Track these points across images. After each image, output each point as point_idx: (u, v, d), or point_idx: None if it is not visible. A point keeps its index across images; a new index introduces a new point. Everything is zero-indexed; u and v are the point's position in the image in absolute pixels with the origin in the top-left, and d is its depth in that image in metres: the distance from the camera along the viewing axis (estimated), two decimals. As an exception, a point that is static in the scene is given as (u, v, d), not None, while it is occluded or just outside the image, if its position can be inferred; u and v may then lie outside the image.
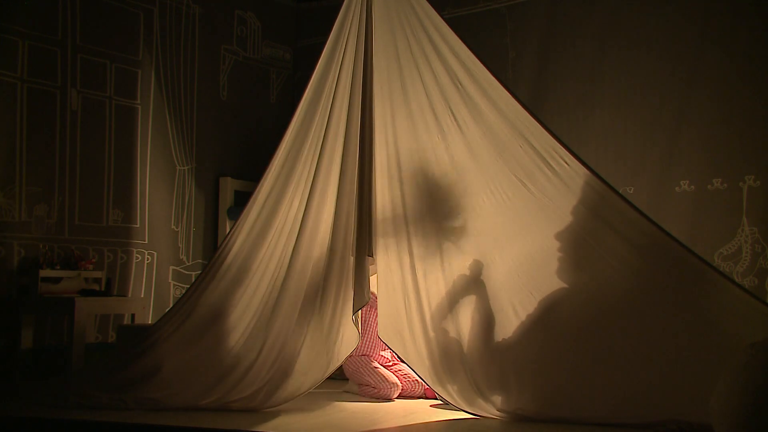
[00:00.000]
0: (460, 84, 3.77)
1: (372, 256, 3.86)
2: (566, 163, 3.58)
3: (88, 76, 4.99)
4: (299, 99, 3.94)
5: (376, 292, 3.99)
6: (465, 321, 3.70)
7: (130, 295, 5.10)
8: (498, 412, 3.48)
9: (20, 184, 4.62)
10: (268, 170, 3.93)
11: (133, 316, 4.83)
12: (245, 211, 3.94)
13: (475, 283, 3.73)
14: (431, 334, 3.72)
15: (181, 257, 5.52)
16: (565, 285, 3.57)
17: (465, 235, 3.79)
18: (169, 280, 5.43)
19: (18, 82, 4.64)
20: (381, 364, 4.22)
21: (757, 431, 2.50)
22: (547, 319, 3.55)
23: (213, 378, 3.72)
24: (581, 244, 3.55)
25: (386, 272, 3.84)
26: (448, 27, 3.77)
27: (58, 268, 4.63)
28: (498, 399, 3.50)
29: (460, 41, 3.74)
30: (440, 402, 3.80)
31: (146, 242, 5.29)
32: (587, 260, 3.55)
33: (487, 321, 3.67)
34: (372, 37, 3.89)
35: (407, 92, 3.87)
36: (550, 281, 3.60)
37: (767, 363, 2.58)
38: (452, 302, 3.73)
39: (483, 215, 3.76)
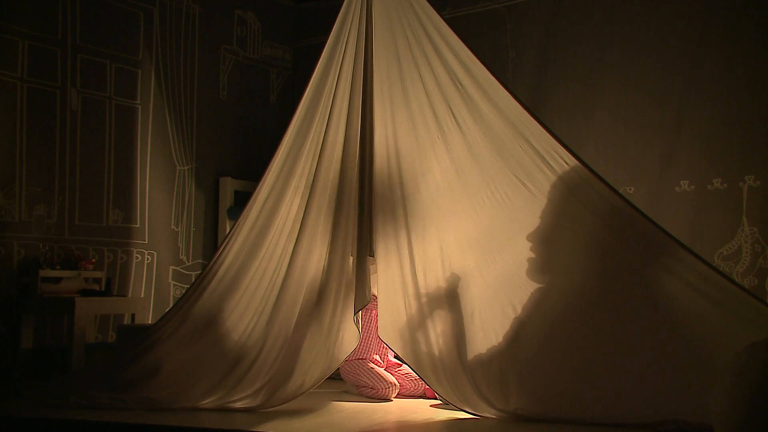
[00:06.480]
0: (460, 84, 3.77)
1: (372, 256, 3.86)
2: (566, 163, 3.58)
3: (88, 76, 4.99)
4: (299, 99, 3.94)
5: (376, 292, 3.99)
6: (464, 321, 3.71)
7: (130, 295, 5.11)
8: (498, 412, 3.47)
9: (20, 184, 4.62)
10: (268, 170, 3.93)
11: (133, 316, 4.84)
12: (245, 211, 3.95)
13: (449, 297, 3.74)
14: (431, 334, 3.73)
15: (181, 257, 5.52)
16: (540, 285, 3.59)
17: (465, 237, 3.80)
18: (169, 280, 5.43)
19: (18, 82, 4.64)
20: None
21: (757, 431, 2.50)
22: (540, 318, 3.56)
23: (213, 378, 3.72)
24: (555, 240, 3.58)
25: (386, 272, 3.84)
26: (448, 27, 3.77)
27: (58, 268, 4.63)
28: (498, 399, 3.50)
29: (460, 41, 3.75)
30: (440, 402, 3.80)
31: (146, 242, 5.29)
32: (561, 258, 3.58)
33: (458, 334, 3.67)
34: (372, 37, 3.89)
35: (407, 92, 3.87)
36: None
37: (766, 363, 2.59)
38: (423, 316, 3.74)
39: (483, 215, 3.76)
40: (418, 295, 3.77)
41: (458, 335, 3.69)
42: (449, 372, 3.64)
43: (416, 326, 3.75)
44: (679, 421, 3.07)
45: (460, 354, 3.65)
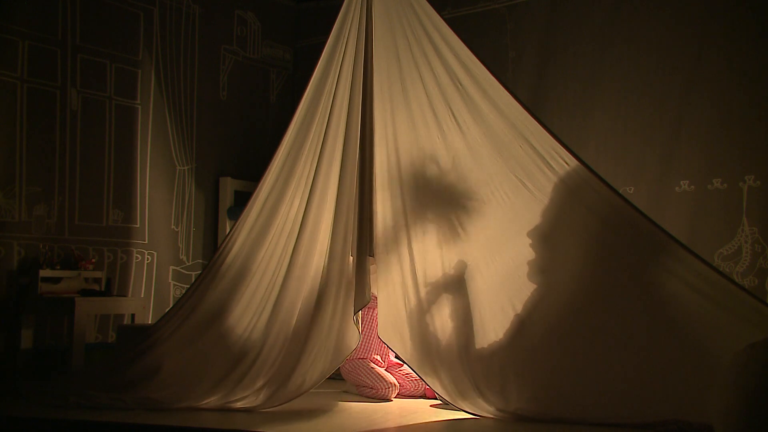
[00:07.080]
0: (460, 84, 3.77)
1: (372, 256, 3.86)
2: (566, 163, 3.58)
3: (88, 76, 4.99)
4: (299, 99, 3.94)
5: (375, 293, 3.99)
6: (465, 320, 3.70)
7: (130, 295, 5.11)
8: (498, 412, 3.47)
9: (20, 184, 4.62)
10: (268, 170, 3.93)
11: (133, 316, 4.84)
12: (245, 211, 3.95)
13: (457, 283, 3.74)
14: (431, 331, 3.72)
15: (181, 257, 5.52)
16: (539, 285, 3.60)
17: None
18: (169, 280, 5.43)
19: (18, 82, 4.64)
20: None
21: (757, 431, 2.50)
22: (540, 317, 3.56)
23: (213, 378, 3.72)
24: (555, 240, 3.59)
25: (386, 272, 3.85)
26: (448, 27, 3.78)
27: (58, 268, 4.63)
28: (498, 399, 3.50)
29: (460, 41, 3.75)
30: (440, 402, 3.80)
31: (146, 242, 5.29)
32: (561, 258, 3.58)
33: (465, 321, 3.68)
34: (372, 37, 3.89)
35: (407, 92, 3.87)
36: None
37: (766, 364, 2.58)
38: (430, 301, 3.74)
39: (483, 215, 3.76)
40: (418, 295, 3.77)
41: (461, 326, 3.68)
42: (448, 369, 3.63)
43: (416, 324, 3.76)
44: (679, 421, 3.07)
45: (460, 347, 3.65)
